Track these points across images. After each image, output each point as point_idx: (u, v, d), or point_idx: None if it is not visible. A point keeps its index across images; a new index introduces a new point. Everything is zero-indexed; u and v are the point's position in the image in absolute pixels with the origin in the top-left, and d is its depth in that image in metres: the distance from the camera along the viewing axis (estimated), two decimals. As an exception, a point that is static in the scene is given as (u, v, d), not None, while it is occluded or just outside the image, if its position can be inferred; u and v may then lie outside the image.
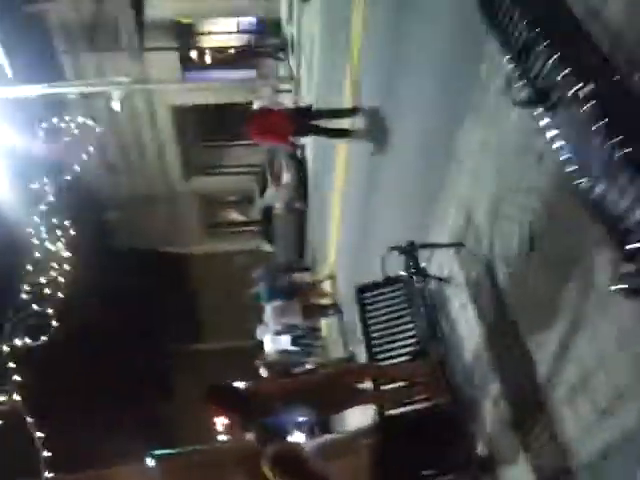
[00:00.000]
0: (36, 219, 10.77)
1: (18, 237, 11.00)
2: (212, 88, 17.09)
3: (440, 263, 4.86)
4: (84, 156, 11.56)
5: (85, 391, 16.82)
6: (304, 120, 8.35)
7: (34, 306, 10.27)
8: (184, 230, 21.27)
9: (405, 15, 6.03)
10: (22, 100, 11.83)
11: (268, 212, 14.88)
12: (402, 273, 4.62)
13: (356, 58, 8.23)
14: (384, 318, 5.10)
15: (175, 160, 18.99)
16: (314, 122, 8.44)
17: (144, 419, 19.27)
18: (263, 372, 9.12)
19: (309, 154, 13.18)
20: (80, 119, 11.93)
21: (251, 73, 16.60)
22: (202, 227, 21.79)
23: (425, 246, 4.69)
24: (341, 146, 9.19)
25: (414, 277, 4.51)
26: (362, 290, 5.26)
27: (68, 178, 11.18)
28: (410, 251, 4.41)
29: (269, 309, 10.91)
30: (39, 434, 9.72)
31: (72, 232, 10.68)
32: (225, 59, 17.22)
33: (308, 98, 12.60)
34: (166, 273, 21.41)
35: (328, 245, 11.52)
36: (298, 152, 13.46)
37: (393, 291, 5.07)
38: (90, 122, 11.89)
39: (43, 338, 10.42)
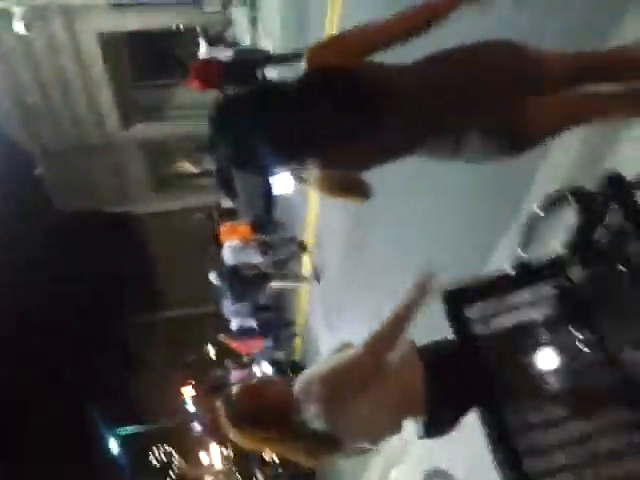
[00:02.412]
0: None
1: None
2: (146, 12, 14.20)
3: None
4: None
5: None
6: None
7: None
8: (130, 186, 18.51)
9: None
10: None
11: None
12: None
13: None
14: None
15: (110, 103, 16.03)
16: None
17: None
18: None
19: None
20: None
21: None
22: (151, 182, 19.00)
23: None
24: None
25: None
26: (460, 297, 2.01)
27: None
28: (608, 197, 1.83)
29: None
30: None
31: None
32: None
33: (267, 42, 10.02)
34: (115, 237, 19.10)
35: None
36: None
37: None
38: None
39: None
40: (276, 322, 11.86)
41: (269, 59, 7.90)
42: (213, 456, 22.80)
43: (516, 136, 1.97)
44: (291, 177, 7.47)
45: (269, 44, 10.40)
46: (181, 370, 27.10)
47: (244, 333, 11.02)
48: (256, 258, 9.67)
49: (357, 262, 7.14)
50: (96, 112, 16.08)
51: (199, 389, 23.56)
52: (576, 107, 2.03)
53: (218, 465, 22.95)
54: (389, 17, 1.92)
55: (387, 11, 1.94)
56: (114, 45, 15.34)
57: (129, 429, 23.62)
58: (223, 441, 20.64)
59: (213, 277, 9.64)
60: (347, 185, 2.04)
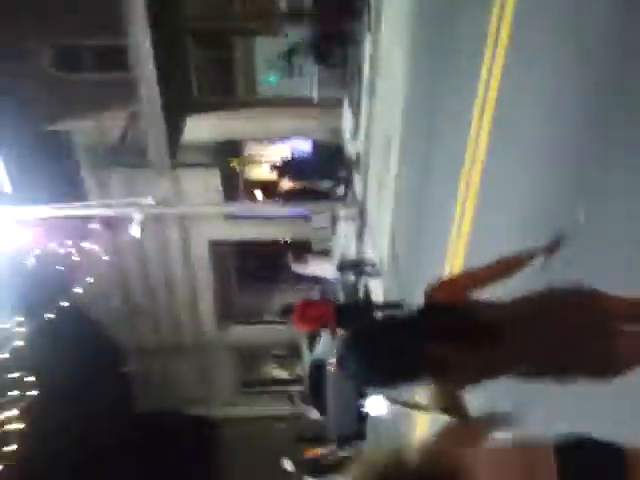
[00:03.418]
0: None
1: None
2: (257, 224, 14.76)
3: None
4: (80, 290, 8.72)
5: None
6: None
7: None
8: (215, 388, 17.94)
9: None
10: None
11: (318, 369, 11.77)
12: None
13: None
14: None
15: (210, 306, 16.18)
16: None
17: None
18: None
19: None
20: (86, 245, 9.36)
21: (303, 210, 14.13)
22: (237, 385, 18.41)
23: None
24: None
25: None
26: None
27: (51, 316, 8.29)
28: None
29: None
30: None
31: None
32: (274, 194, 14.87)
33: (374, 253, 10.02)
34: (192, 441, 18.16)
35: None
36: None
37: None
38: (96, 248, 9.25)
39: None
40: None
41: (376, 307, 8.39)
42: None
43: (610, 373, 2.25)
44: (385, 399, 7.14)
45: (375, 255, 10.22)
46: None
47: None
48: None
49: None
50: (195, 314, 16.23)
51: None
52: None
53: None
54: (487, 266, 2.39)
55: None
56: (221, 249, 15.86)
57: None
58: None
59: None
60: (452, 405, 2.26)
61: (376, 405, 9.35)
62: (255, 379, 19.55)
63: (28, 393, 7.76)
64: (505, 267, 2.41)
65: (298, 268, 10.80)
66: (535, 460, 1.90)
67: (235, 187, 14.05)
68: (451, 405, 2.26)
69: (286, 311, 7.99)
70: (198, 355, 17.10)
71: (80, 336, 13.18)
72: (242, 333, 17.01)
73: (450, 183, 6.22)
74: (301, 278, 14.29)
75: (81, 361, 13.14)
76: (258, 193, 14.88)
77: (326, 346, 10.94)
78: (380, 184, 9.39)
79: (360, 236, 11.59)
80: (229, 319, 16.71)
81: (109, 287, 14.35)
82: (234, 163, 13.90)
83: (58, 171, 11.87)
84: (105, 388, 15.09)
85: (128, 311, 15.73)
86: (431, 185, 7.17)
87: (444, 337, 2.15)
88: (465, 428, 2.19)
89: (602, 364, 2.22)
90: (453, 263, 6.21)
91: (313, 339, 12.12)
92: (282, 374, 20.04)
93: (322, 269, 10.55)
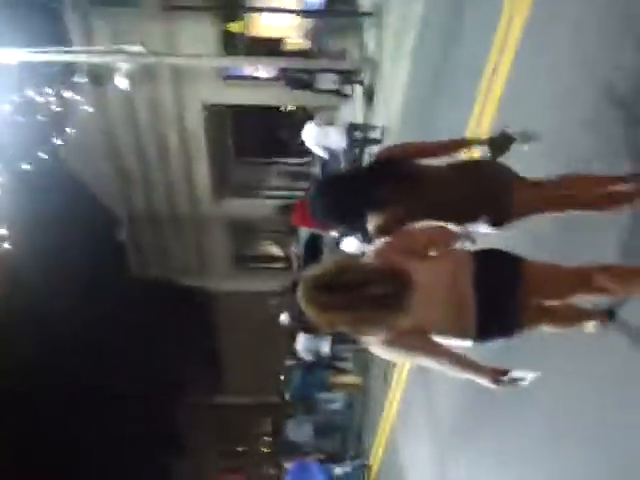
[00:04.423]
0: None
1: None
2: (257, 87, 13.66)
3: None
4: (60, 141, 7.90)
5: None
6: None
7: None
8: (210, 261, 17.65)
9: None
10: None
11: (315, 244, 11.51)
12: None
13: None
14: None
15: (205, 176, 15.42)
16: None
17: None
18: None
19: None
20: (67, 94, 8.44)
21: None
22: (232, 259, 18.11)
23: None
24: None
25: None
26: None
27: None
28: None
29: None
30: None
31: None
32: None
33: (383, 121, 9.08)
34: (186, 311, 18.27)
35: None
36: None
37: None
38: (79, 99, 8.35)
39: None
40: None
41: None
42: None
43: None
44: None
45: (382, 121, 9.45)
46: (229, 459, 25.57)
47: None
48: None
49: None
50: (190, 183, 15.50)
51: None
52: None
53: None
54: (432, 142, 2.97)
55: None
56: (218, 118, 14.88)
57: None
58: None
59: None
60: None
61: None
62: (250, 255, 19.29)
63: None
64: (450, 145, 2.94)
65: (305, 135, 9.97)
66: (458, 260, 2.51)
67: (235, 44, 12.81)
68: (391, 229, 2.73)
69: (284, 210, 7.34)
70: (193, 227, 16.62)
71: (63, 195, 12.57)
72: (238, 207, 16.41)
73: (483, 37, 5.32)
74: (304, 151, 13.46)
75: (65, 220, 12.63)
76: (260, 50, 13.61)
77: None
78: (398, 36, 8.36)
79: (370, 101, 10.69)
80: (225, 191, 16.04)
81: (96, 148, 13.53)
82: (234, 27, 12.60)
83: (40, 15, 10.64)
84: (95, 252, 14.76)
85: (118, 176, 15.02)
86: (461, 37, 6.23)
87: (389, 182, 2.75)
88: (408, 234, 2.61)
89: (502, 213, 2.81)
90: (479, 122, 5.45)
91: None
92: (277, 251, 19.78)
93: (329, 138, 9.73)
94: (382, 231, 2.72)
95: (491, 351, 2.73)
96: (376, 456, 9.48)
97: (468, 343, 2.46)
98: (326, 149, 9.49)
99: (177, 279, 17.80)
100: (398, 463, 7.96)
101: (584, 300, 2.70)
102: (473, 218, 2.73)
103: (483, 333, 2.43)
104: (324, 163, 11.68)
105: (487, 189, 2.77)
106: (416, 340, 2.38)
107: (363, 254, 2.70)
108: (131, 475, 17.64)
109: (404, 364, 7.33)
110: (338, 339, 11.07)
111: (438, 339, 2.43)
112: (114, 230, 16.30)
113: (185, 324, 18.39)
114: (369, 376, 11.10)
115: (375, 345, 2.42)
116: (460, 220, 2.72)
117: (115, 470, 16.89)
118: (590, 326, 2.80)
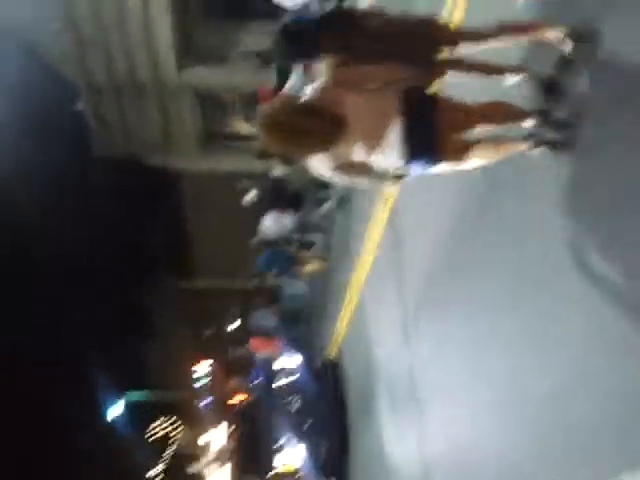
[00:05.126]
0: None
1: None
2: None
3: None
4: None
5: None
6: None
7: None
8: (175, 137, 16.55)
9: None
10: None
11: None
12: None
13: None
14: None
15: (168, 39, 14.01)
16: None
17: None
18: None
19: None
20: None
21: None
22: (199, 137, 17.02)
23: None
24: None
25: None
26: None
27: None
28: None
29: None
30: None
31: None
32: None
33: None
34: (152, 193, 17.42)
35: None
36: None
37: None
38: None
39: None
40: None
41: None
42: (217, 433, 21.27)
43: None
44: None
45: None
46: (198, 343, 25.68)
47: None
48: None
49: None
50: (151, 48, 14.11)
51: (218, 366, 22.42)
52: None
53: (221, 443, 21.41)
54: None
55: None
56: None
57: (136, 394, 22.71)
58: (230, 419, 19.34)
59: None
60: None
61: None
62: (219, 132, 18.16)
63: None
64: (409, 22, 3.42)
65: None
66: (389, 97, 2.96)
67: None
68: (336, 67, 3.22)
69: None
70: (157, 98, 15.36)
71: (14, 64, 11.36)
72: (205, 76, 15.12)
73: None
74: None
75: (18, 93, 11.51)
76: None
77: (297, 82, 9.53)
78: None
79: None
80: (190, 57, 14.66)
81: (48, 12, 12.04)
82: None
83: None
84: (52, 129, 13.60)
85: (75, 43, 13.58)
86: None
87: (335, 29, 3.41)
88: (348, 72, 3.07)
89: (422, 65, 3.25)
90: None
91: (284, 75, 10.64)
92: (248, 129, 18.69)
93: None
94: (330, 70, 3.15)
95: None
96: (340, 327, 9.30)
97: (397, 161, 2.95)
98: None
99: (142, 159, 16.75)
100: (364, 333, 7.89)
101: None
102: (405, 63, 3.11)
103: (409, 152, 2.90)
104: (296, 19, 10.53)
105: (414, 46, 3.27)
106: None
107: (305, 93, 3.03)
108: (99, 359, 17.50)
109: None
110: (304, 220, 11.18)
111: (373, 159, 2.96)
112: (71, 103, 14.99)
113: (150, 206, 17.60)
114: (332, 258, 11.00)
115: (316, 164, 3.02)
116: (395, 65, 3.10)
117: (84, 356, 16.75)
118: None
